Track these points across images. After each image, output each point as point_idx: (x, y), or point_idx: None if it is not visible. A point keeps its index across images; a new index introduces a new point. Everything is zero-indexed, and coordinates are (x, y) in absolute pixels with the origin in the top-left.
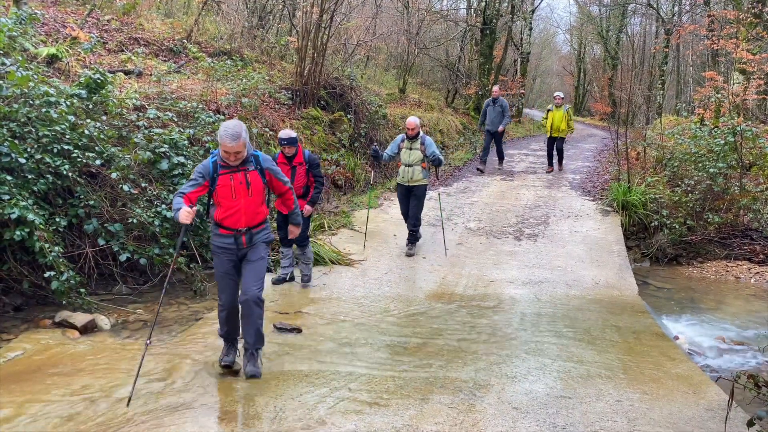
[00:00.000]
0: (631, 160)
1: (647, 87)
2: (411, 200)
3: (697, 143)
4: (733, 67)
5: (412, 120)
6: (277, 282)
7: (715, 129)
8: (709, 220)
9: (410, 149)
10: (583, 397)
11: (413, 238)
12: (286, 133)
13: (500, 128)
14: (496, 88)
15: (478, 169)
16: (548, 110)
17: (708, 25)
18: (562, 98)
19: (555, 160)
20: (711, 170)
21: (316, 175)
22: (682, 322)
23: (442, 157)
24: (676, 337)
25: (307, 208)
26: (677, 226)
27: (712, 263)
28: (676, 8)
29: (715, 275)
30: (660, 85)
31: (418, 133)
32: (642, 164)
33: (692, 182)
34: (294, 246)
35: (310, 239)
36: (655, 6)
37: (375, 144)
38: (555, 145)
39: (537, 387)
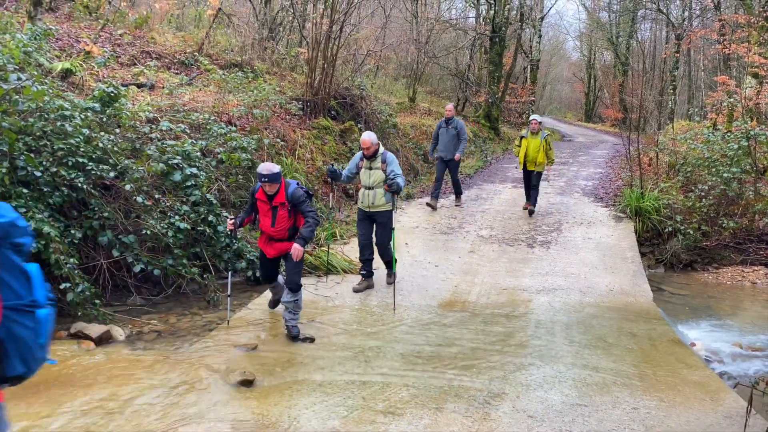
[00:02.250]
0: (643, 166)
1: (658, 92)
2: (376, 229)
3: (710, 148)
4: (745, 71)
5: (366, 137)
6: (273, 305)
7: (729, 133)
8: (723, 225)
9: (370, 169)
10: (599, 405)
11: (390, 266)
12: (267, 168)
13: (456, 155)
14: (449, 106)
15: (428, 204)
16: (521, 137)
17: (719, 30)
18: (540, 123)
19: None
20: (725, 175)
21: (305, 212)
22: (699, 328)
23: (401, 181)
24: (693, 344)
25: (296, 247)
26: (691, 232)
27: (727, 269)
28: (686, 13)
29: (731, 281)
30: (671, 90)
31: (377, 150)
32: (654, 170)
33: (706, 187)
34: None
35: (322, 249)
36: (665, 11)
37: (332, 163)
38: (530, 181)
39: (552, 395)
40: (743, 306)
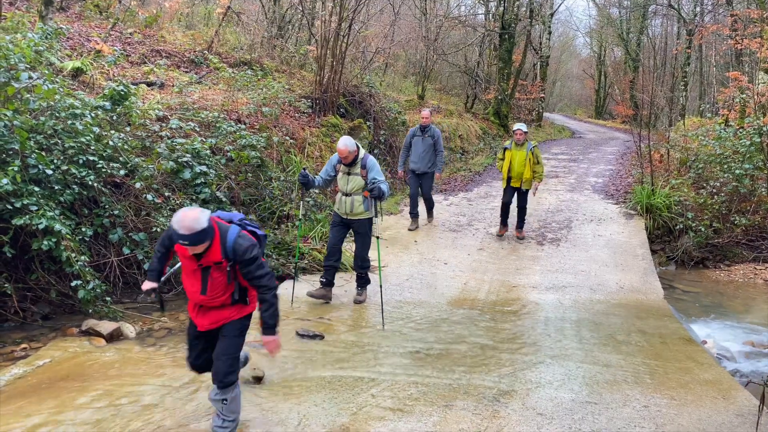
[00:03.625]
0: (654, 163)
1: (670, 88)
2: (355, 239)
3: (722, 144)
4: (757, 67)
5: (342, 145)
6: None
7: (741, 130)
8: (735, 222)
9: (348, 174)
10: (609, 403)
11: (362, 281)
12: (186, 223)
13: (437, 174)
14: (425, 112)
15: (410, 229)
16: (505, 149)
17: (731, 25)
18: (525, 132)
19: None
20: (737, 172)
21: (253, 279)
22: (710, 326)
23: (385, 187)
24: (704, 342)
25: (269, 341)
26: (703, 229)
27: (739, 266)
28: (698, 8)
29: (743, 278)
30: (683, 87)
31: (356, 156)
32: (665, 167)
33: (718, 184)
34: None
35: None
36: (676, 7)
37: (305, 167)
38: (516, 200)
39: (562, 393)
40: (755, 304)
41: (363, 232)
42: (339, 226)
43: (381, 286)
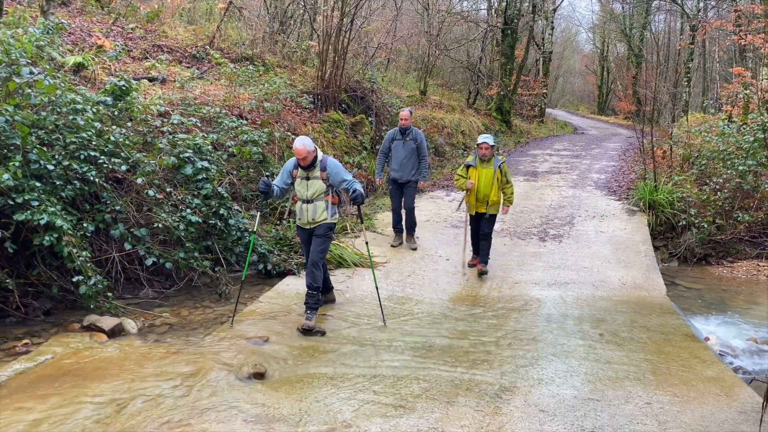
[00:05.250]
0: (657, 159)
1: (673, 84)
2: (312, 242)
3: (725, 140)
4: (761, 63)
5: (300, 144)
6: None
7: (744, 126)
8: (738, 218)
9: (307, 179)
10: (611, 400)
11: (313, 300)
12: None
13: (421, 183)
14: (405, 112)
15: (392, 245)
16: (468, 166)
17: (735, 20)
18: (492, 146)
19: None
20: (740, 168)
21: None
22: (713, 323)
23: (360, 188)
24: (707, 339)
25: None
26: (706, 225)
27: (742, 263)
28: (702, 4)
29: (746, 275)
30: (686, 83)
31: (315, 158)
32: (668, 163)
33: (721, 180)
34: None
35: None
36: (679, 2)
37: (267, 174)
38: (480, 228)
39: (564, 389)
40: (758, 300)
41: (321, 233)
42: (308, 242)
43: (377, 288)
